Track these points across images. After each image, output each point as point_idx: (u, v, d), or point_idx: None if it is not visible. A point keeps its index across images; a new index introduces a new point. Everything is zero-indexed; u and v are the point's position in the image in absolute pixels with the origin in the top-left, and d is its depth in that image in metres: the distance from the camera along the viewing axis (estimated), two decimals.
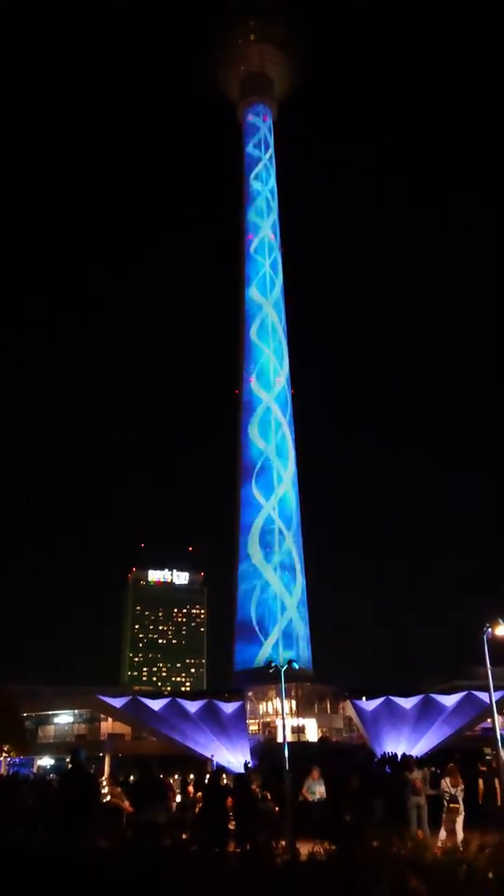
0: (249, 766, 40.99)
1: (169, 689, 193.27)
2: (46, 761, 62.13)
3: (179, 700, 61.54)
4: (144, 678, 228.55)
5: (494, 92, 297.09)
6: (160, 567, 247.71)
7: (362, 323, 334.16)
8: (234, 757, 52.69)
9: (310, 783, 21.68)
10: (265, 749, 55.85)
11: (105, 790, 26.07)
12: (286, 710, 40.86)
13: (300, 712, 66.77)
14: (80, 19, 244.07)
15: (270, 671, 31.97)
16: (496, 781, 20.63)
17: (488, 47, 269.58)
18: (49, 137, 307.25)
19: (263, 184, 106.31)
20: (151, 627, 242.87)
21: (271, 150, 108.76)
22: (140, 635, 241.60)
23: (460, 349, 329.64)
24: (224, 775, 33.77)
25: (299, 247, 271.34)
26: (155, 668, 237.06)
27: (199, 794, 22.68)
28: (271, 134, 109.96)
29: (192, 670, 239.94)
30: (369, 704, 62.97)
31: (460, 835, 17.95)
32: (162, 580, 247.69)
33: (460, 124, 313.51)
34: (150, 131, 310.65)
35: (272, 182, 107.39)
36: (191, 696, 69.25)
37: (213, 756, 46.40)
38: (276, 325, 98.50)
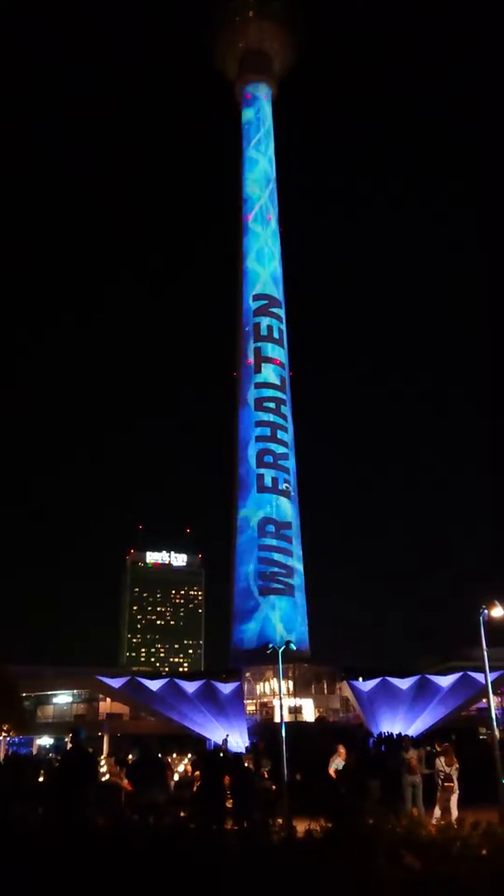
0: (257, 746, 41.14)
1: (167, 669, 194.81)
2: (46, 741, 62.71)
3: (177, 680, 61.99)
4: (143, 659, 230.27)
5: (497, 66, 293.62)
6: (158, 549, 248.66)
7: (358, 309, 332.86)
8: (231, 737, 53.20)
9: (337, 762, 21.09)
10: (263, 729, 56.38)
11: (104, 769, 26.35)
12: (283, 690, 41.13)
13: (297, 692, 67.31)
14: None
15: (268, 652, 32.17)
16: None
17: (492, 21, 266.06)
18: (44, 127, 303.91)
19: (262, 162, 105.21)
20: (149, 609, 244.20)
21: (270, 130, 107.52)
22: (138, 616, 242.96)
23: (455, 348, 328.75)
24: (221, 754, 34.09)
25: (298, 231, 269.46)
26: (153, 649, 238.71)
27: (197, 772, 22.91)
28: (270, 114, 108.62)
29: (190, 651, 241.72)
30: (366, 685, 63.48)
31: (455, 813, 18.22)
32: (160, 562, 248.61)
33: (464, 106, 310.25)
34: (144, 112, 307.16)
35: (272, 160, 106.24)
36: (189, 677, 69.76)
37: (227, 736, 46.60)
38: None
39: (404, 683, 62.37)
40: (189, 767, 28.49)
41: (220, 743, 43.02)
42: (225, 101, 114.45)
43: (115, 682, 60.82)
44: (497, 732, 20.30)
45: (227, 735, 47.42)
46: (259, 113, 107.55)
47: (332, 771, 21.01)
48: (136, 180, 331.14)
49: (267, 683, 68.07)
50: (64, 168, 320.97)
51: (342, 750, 21.34)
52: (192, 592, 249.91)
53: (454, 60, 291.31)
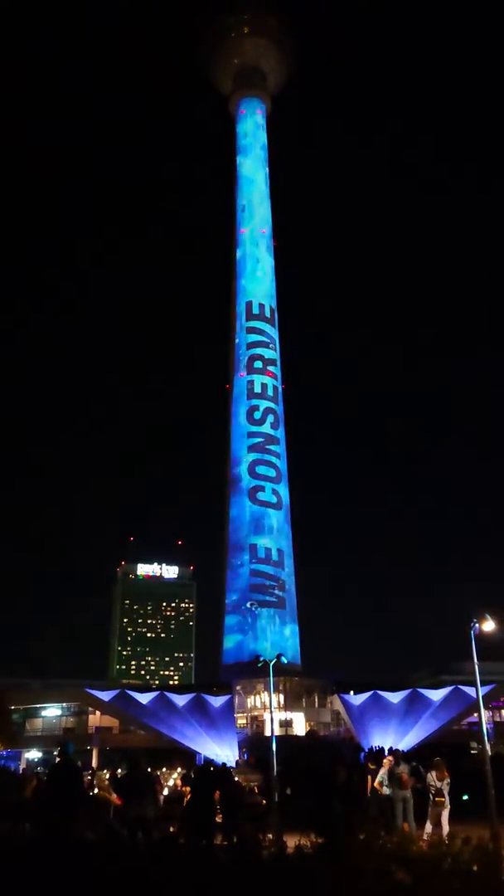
0: (248, 762, 40.71)
1: (157, 682, 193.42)
2: (34, 754, 62.13)
3: (168, 693, 61.67)
4: (133, 672, 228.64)
5: (497, 86, 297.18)
6: (149, 561, 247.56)
7: (355, 318, 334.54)
8: (221, 750, 52.90)
9: (382, 774, 19.66)
10: (253, 743, 56.07)
11: (93, 783, 26.08)
12: (274, 703, 40.85)
13: (288, 706, 67.01)
14: (72, 9, 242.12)
15: (259, 665, 32.07)
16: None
17: (490, 42, 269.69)
18: (43, 129, 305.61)
19: (256, 176, 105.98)
20: (140, 621, 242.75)
21: (264, 144, 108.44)
22: (129, 629, 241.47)
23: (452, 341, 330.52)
24: (212, 769, 33.87)
25: (292, 243, 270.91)
26: (143, 662, 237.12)
27: (187, 787, 22.73)
28: (265, 129, 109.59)
29: (181, 664, 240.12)
30: (357, 699, 63.31)
31: (446, 828, 18.12)
32: (151, 574, 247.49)
33: (460, 112, 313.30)
34: (141, 125, 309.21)
35: (265, 175, 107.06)
36: (179, 690, 69.40)
37: (247, 752, 46.03)
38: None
39: (395, 697, 62.23)
40: (179, 782, 28.26)
41: (246, 757, 42.29)
42: (220, 115, 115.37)
43: (105, 695, 60.43)
44: (488, 747, 20.23)
45: (247, 751, 46.71)
46: (253, 127, 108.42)
47: (377, 784, 19.73)
48: (133, 181, 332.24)
49: (258, 697, 67.71)
50: (59, 166, 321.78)
51: (388, 762, 20.06)
52: (182, 605, 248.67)
53: (450, 69, 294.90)
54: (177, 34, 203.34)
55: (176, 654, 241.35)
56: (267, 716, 58.38)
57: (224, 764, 29.03)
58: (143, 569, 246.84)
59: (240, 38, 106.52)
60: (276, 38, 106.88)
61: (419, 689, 63.53)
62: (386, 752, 38.73)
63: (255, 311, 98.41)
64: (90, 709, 63.18)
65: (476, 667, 20.06)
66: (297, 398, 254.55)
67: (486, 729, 20.17)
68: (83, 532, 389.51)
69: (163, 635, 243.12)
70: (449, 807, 19.02)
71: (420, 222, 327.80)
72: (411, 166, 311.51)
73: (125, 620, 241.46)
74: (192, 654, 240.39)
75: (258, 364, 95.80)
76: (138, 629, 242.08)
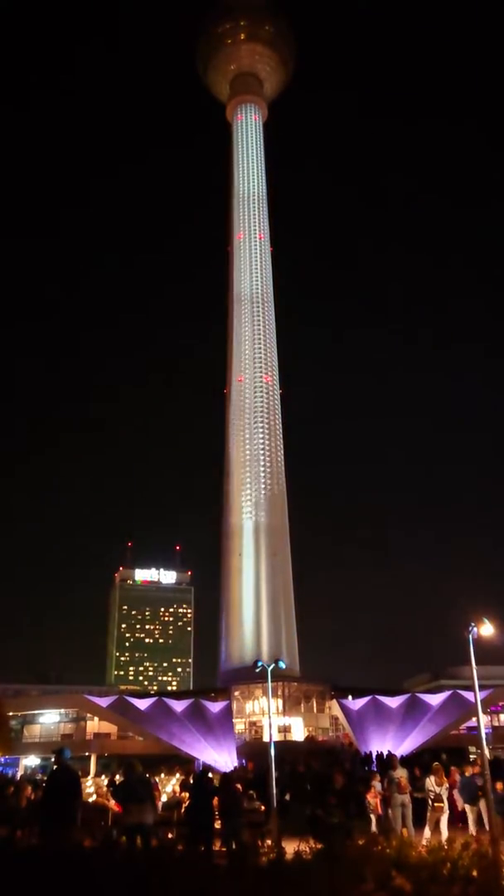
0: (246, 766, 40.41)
1: (155, 688, 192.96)
2: (32, 761, 61.84)
3: (166, 699, 61.48)
4: (131, 677, 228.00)
5: (492, 89, 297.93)
6: (147, 566, 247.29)
7: (354, 320, 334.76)
8: (220, 756, 52.72)
9: None
10: (251, 748, 55.86)
11: (91, 790, 26.00)
12: (273, 709, 40.69)
13: (287, 711, 66.84)
14: (72, 18, 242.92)
15: (257, 670, 31.95)
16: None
17: (484, 48, 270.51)
18: (42, 131, 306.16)
19: (252, 182, 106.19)
20: (138, 627, 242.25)
21: (261, 148, 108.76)
22: (127, 635, 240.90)
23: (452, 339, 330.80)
24: (210, 774, 33.76)
25: (288, 247, 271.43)
26: (141, 668, 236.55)
27: (185, 793, 22.63)
28: (261, 133, 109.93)
29: (179, 669, 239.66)
30: (355, 703, 63.14)
31: (445, 833, 18.05)
32: (149, 579, 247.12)
33: (458, 120, 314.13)
34: (140, 131, 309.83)
35: (262, 181, 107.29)
36: (177, 696, 69.25)
37: (244, 760, 45.62)
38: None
39: (394, 702, 62.05)
40: (177, 788, 28.17)
41: (244, 763, 41.65)
42: (217, 120, 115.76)
43: (103, 701, 60.23)
44: (487, 752, 20.15)
45: (245, 757, 46.05)
46: (250, 132, 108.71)
47: None
48: (130, 189, 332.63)
49: (256, 702, 67.53)
50: (58, 182, 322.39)
51: None
52: (181, 610, 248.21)
53: (450, 68, 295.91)
54: (175, 41, 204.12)
55: (174, 660, 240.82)
56: (265, 721, 58.23)
57: (232, 770, 28.88)
58: (141, 574, 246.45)
59: (237, 45, 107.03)
60: (272, 45, 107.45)
61: (417, 694, 63.39)
62: (385, 757, 38.61)
63: (253, 315, 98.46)
64: (88, 715, 62.99)
65: (474, 671, 19.98)
66: (295, 401, 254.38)
67: (485, 733, 20.05)
68: (81, 537, 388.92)
69: (161, 641, 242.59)
70: (448, 812, 18.96)
71: (419, 223, 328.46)
72: (411, 167, 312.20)
73: (123, 626, 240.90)
74: (190, 660, 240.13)
75: (256, 369, 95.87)
76: (136, 635, 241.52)
